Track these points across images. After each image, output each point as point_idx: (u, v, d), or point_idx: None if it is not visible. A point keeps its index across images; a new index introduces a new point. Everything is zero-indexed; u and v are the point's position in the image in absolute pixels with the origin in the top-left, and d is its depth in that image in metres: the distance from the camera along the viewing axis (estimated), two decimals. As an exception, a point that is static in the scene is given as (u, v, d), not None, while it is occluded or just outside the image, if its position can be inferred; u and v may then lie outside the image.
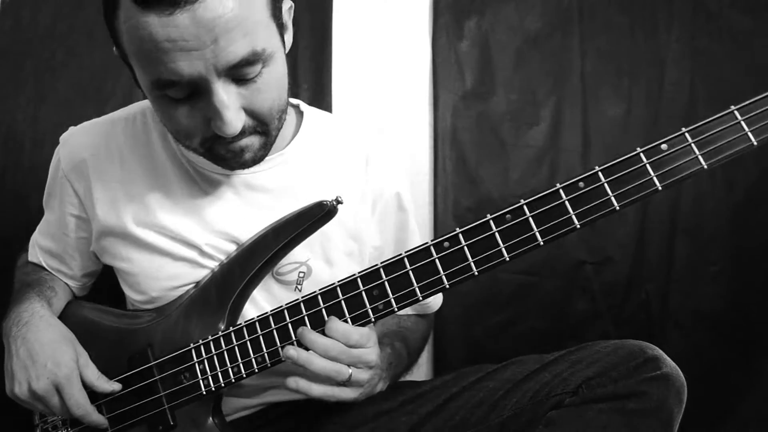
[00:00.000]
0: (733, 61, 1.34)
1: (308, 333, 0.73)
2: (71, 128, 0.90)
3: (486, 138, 1.35)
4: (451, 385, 0.85)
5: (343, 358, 0.72)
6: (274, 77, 0.70)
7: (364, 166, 0.90)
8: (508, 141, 1.35)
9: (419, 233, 0.98)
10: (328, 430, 0.86)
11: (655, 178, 0.65)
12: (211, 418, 0.79)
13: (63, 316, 0.88)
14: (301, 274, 0.85)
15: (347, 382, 0.73)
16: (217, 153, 0.74)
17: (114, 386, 0.80)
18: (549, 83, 1.35)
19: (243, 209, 0.84)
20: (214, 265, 0.83)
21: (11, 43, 1.29)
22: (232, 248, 0.83)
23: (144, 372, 0.80)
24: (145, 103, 0.89)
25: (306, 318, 0.74)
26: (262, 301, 0.85)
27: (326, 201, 0.77)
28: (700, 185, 1.34)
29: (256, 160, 0.76)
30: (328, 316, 0.74)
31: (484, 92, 1.36)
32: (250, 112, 0.70)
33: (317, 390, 0.73)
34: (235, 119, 0.67)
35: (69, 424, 0.84)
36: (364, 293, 0.73)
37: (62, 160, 0.87)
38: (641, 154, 0.66)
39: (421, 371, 1.32)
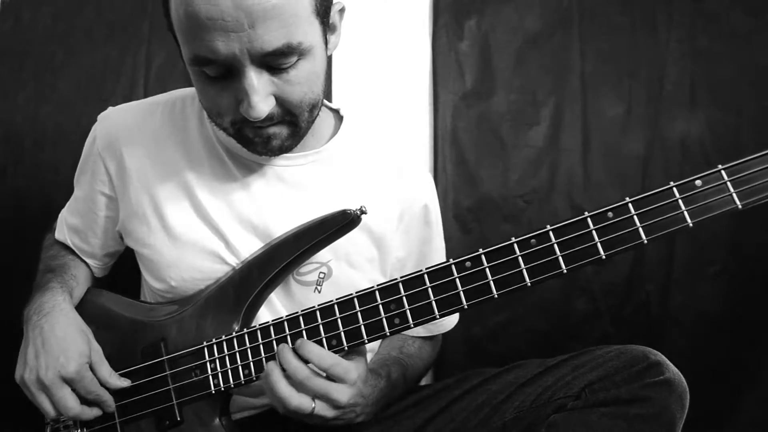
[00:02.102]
0: (733, 61, 1.34)
1: (285, 352, 0.72)
2: (110, 107, 0.90)
3: (486, 138, 1.35)
4: (453, 389, 0.85)
5: (308, 385, 0.70)
6: (309, 71, 0.71)
7: (396, 176, 0.90)
8: (508, 141, 1.35)
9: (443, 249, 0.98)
10: None
11: (686, 213, 0.65)
12: (218, 418, 0.79)
13: (82, 302, 0.89)
14: (321, 275, 0.84)
15: (309, 416, 0.71)
16: (246, 135, 0.75)
17: (124, 383, 0.80)
18: (549, 83, 1.35)
19: (271, 200, 0.84)
20: (235, 261, 0.82)
21: (11, 43, 1.29)
22: (254, 241, 0.82)
23: (155, 365, 0.80)
24: (186, 90, 0.90)
25: (321, 327, 0.74)
26: (279, 300, 0.85)
27: (350, 210, 0.78)
28: (700, 185, 1.34)
29: (284, 149, 0.77)
30: (343, 327, 0.73)
31: (484, 92, 1.35)
32: (280, 101, 0.71)
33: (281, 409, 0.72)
34: (261, 104, 0.68)
35: (82, 425, 0.84)
36: (381, 306, 0.72)
37: (98, 137, 0.87)
38: (674, 189, 0.65)
39: (421, 371, 1.32)
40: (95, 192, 0.89)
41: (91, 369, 0.78)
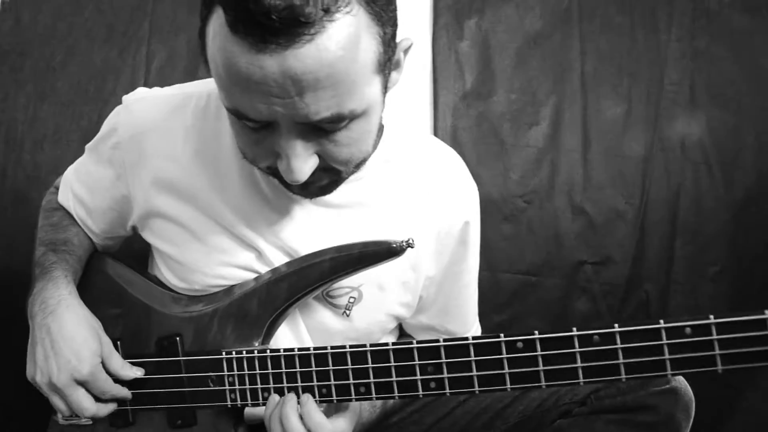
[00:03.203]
0: (733, 61, 1.34)
1: (290, 409, 0.69)
2: (140, 91, 0.82)
3: (486, 138, 1.35)
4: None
5: None
6: (360, 132, 0.63)
7: (438, 194, 0.83)
8: (508, 141, 1.35)
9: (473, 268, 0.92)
10: None
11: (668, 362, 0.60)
12: (233, 430, 0.77)
13: (93, 272, 0.86)
14: (352, 300, 0.79)
15: None
16: (282, 180, 0.67)
17: (137, 372, 0.77)
18: (549, 83, 1.35)
19: (305, 223, 0.78)
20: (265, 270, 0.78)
21: (11, 43, 1.29)
22: (284, 259, 0.77)
23: (171, 363, 0.78)
24: None
25: (350, 371, 0.70)
26: (303, 319, 0.81)
27: (396, 243, 0.71)
28: (700, 185, 1.34)
29: (322, 193, 0.71)
30: (374, 377, 0.69)
31: (484, 92, 1.36)
32: (323, 158, 0.64)
33: None
34: (302, 169, 0.61)
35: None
36: (417, 366, 0.67)
37: (121, 125, 0.80)
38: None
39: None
40: (108, 181, 0.84)
41: (102, 363, 0.76)
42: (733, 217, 1.33)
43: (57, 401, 0.74)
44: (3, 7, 1.30)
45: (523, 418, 0.77)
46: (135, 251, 0.94)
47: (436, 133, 1.34)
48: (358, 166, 0.68)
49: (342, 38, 0.54)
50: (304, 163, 0.61)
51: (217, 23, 0.56)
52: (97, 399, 0.75)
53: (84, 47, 1.29)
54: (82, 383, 0.73)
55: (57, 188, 0.93)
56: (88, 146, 0.88)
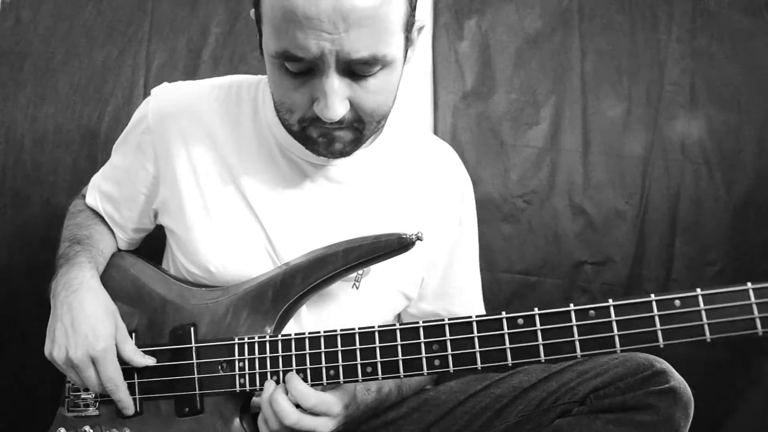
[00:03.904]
0: (733, 61, 1.34)
1: (278, 394, 0.73)
2: (165, 83, 0.89)
3: (486, 138, 1.35)
4: (457, 393, 0.85)
5: (296, 429, 0.72)
6: (387, 83, 0.72)
7: (439, 176, 0.92)
8: (508, 141, 1.35)
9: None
10: None
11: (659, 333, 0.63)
12: (238, 419, 0.79)
13: (110, 265, 0.89)
14: (360, 272, 0.83)
15: None
16: (310, 135, 0.74)
17: (149, 360, 0.80)
18: (549, 83, 1.35)
19: (318, 201, 0.84)
20: (276, 256, 0.83)
21: (11, 43, 1.29)
22: (298, 238, 0.82)
23: (184, 351, 0.80)
24: (243, 78, 0.90)
25: (358, 351, 0.73)
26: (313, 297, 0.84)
27: (406, 235, 0.76)
28: (700, 185, 1.34)
29: (344, 153, 0.77)
30: (381, 357, 0.72)
31: (484, 92, 1.36)
32: (354, 106, 0.71)
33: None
34: (338, 106, 0.69)
35: (98, 403, 0.84)
36: (423, 345, 0.71)
37: (150, 111, 0.86)
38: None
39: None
40: (137, 166, 0.88)
41: (116, 347, 0.78)
42: (733, 217, 1.33)
43: (72, 375, 0.78)
44: (3, 7, 1.30)
45: (523, 417, 0.77)
46: (149, 250, 0.97)
47: (436, 133, 1.34)
48: (380, 121, 0.76)
49: None
50: (340, 101, 0.69)
51: None
52: (101, 395, 0.78)
53: (84, 47, 1.29)
54: (93, 360, 0.76)
55: (84, 195, 0.98)
56: (115, 146, 0.93)
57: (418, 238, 0.76)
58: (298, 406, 0.73)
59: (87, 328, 0.76)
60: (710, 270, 1.32)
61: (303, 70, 0.69)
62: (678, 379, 0.71)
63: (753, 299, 0.61)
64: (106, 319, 0.79)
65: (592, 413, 0.72)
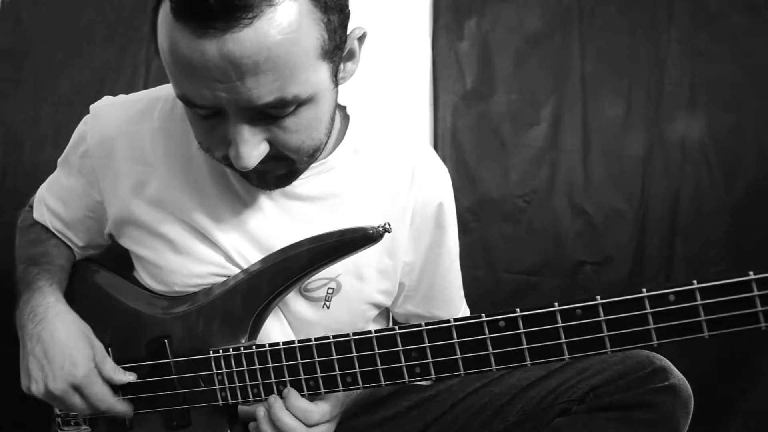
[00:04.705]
0: (733, 61, 1.34)
1: (281, 413, 0.69)
2: (106, 99, 0.83)
3: (486, 138, 1.35)
4: (456, 391, 0.84)
5: None
6: (309, 117, 0.64)
7: (410, 179, 0.82)
8: (508, 141, 1.35)
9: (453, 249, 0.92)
10: None
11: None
12: (228, 429, 0.77)
13: (77, 279, 0.86)
14: (330, 291, 0.79)
15: None
16: (241, 171, 0.68)
17: (130, 377, 0.77)
18: (549, 83, 1.35)
19: (277, 217, 0.78)
20: (237, 271, 0.78)
21: (11, 43, 1.29)
22: (257, 255, 0.77)
23: (162, 366, 0.78)
24: None
25: (335, 361, 0.69)
26: (285, 315, 0.80)
27: (371, 229, 0.71)
28: (700, 185, 1.34)
29: (280, 184, 0.72)
30: (359, 366, 0.68)
31: (484, 92, 1.36)
32: (276, 146, 0.64)
33: None
34: (251, 155, 0.62)
35: (87, 420, 0.83)
36: (402, 352, 0.66)
37: (89, 132, 0.80)
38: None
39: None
40: (80, 189, 0.84)
41: (96, 368, 0.76)
42: (733, 217, 1.33)
43: (58, 405, 0.76)
44: (3, 7, 1.30)
45: (522, 416, 0.77)
46: (119, 253, 0.92)
47: (436, 133, 1.34)
48: (312, 154, 0.69)
49: (282, 22, 0.55)
50: (252, 148, 0.62)
51: (163, 12, 0.58)
52: (93, 414, 0.75)
53: (84, 47, 1.29)
54: (77, 388, 0.73)
55: (31, 206, 0.93)
56: (59, 160, 0.88)
57: (386, 230, 0.71)
58: None
59: (62, 357, 0.73)
60: (710, 270, 1.32)
61: (211, 114, 0.62)
62: (678, 377, 0.71)
63: (756, 291, 0.58)
64: (81, 343, 0.75)
65: (592, 411, 0.72)
